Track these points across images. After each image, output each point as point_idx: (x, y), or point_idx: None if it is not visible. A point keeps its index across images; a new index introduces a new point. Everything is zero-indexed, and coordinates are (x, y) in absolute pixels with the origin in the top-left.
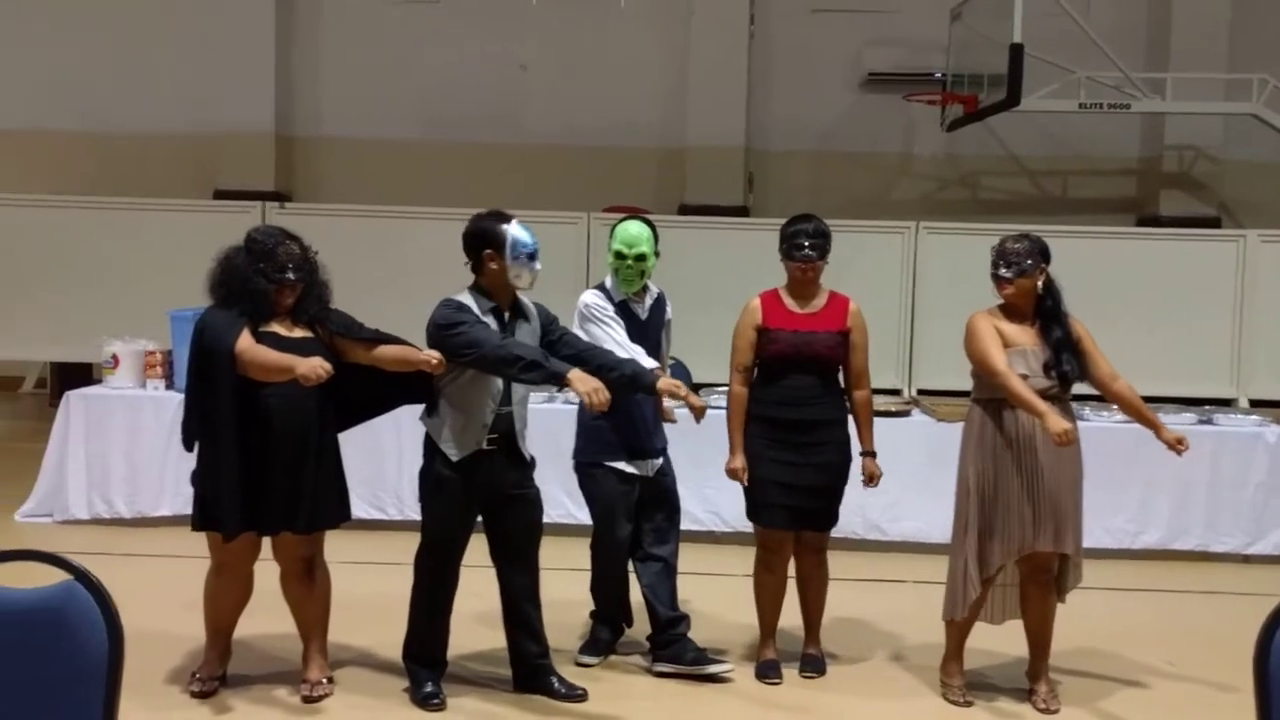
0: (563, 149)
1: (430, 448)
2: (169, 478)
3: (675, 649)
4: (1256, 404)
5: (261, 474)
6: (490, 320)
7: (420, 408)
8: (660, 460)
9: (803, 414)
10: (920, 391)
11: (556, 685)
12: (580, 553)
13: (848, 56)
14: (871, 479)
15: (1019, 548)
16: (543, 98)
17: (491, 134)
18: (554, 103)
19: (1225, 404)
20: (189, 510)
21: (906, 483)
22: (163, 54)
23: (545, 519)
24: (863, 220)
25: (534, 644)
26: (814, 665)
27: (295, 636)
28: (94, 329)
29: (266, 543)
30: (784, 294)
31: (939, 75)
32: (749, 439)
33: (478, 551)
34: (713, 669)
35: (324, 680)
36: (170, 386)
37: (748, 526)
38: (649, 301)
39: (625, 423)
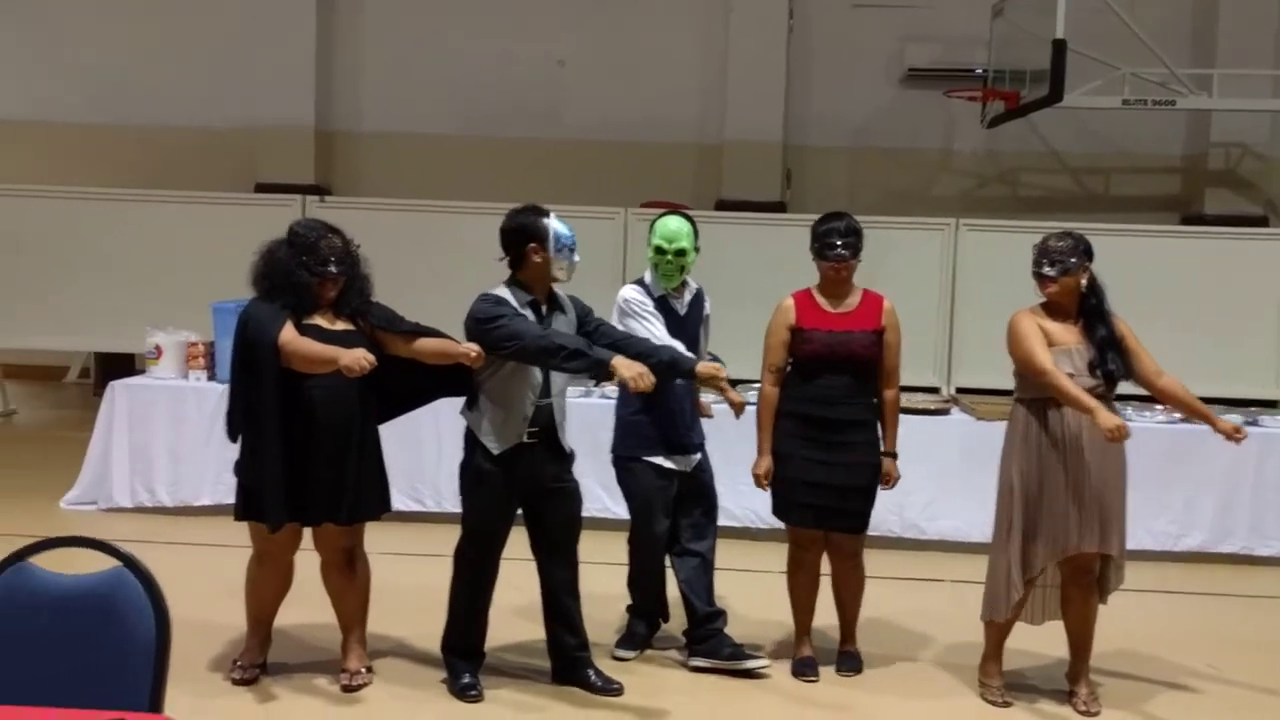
0: (600, 144)
1: (471, 441)
2: (210, 467)
3: (712, 644)
4: None
5: (305, 465)
6: (528, 314)
7: (460, 401)
8: (698, 456)
9: (835, 413)
10: (959, 390)
11: (593, 678)
12: (617, 547)
13: (888, 52)
14: (888, 480)
15: (1063, 549)
16: (581, 93)
17: (529, 129)
18: (592, 98)
19: (1270, 405)
20: (230, 499)
21: (945, 482)
22: (205, 49)
23: (584, 513)
24: (901, 217)
25: (572, 637)
26: (850, 664)
27: (335, 626)
28: (137, 320)
29: (307, 533)
30: (817, 293)
31: (980, 71)
32: (780, 436)
33: (516, 544)
34: (749, 664)
35: (363, 670)
36: (212, 377)
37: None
38: (688, 297)
39: (664, 417)
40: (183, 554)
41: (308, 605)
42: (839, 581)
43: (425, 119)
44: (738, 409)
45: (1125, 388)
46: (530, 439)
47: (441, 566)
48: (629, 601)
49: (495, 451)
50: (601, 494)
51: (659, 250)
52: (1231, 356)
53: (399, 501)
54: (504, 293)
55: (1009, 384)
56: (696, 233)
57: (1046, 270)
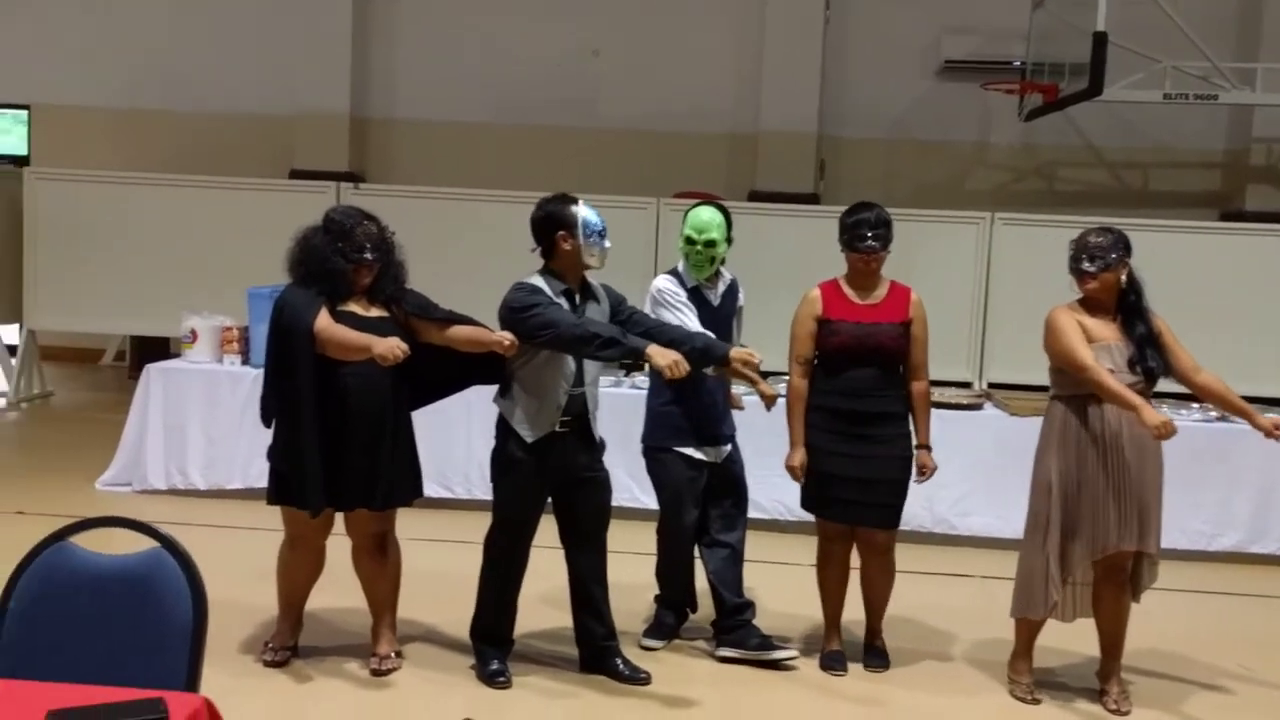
0: (634, 134)
1: (504, 429)
2: (242, 451)
3: (740, 634)
4: None
5: (339, 451)
6: (563, 302)
7: (494, 390)
8: (729, 447)
9: (864, 406)
10: (991, 385)
11: (621, 667)
12: (646, 537)
13: (925, 43)
14: (924, 471)
15: (1102, 548)
16: (615, 82)
17: (564, 118)
18: (626, 87)
19: None
20: (262, 483)
21: (977, 478)
22: (242, 35)
23: (613, 503)
24: (936, 210)
25: (600, 626)
26: (878, 660)
27: (365, 611)
28: (173, 304)
29: (338, 518)
30: (844, 284)
31: (1018, 63)
32: (808, 430)
33: (545, 533)
34: (777, 655)
35: (393, 654)
36: (246, 362)
37: (813, 516)
38: (721, 288)
39: (695, 408)
40: (215, 536)
41: (339, 589)
42: (868, 577)
43: (460, 107)
44: (768, 401)
45: (1161, 385)
46: (563, 428)
47: (471, 553)
48: (657, 591)
49: (529, 440)
50: (631, 484)
51: (689, 241)
52: (1272, 355)
53: (429, 489)
54: (539, 281)
55: (1043, 380)
56: (730, 224)
57: (1086, 266)
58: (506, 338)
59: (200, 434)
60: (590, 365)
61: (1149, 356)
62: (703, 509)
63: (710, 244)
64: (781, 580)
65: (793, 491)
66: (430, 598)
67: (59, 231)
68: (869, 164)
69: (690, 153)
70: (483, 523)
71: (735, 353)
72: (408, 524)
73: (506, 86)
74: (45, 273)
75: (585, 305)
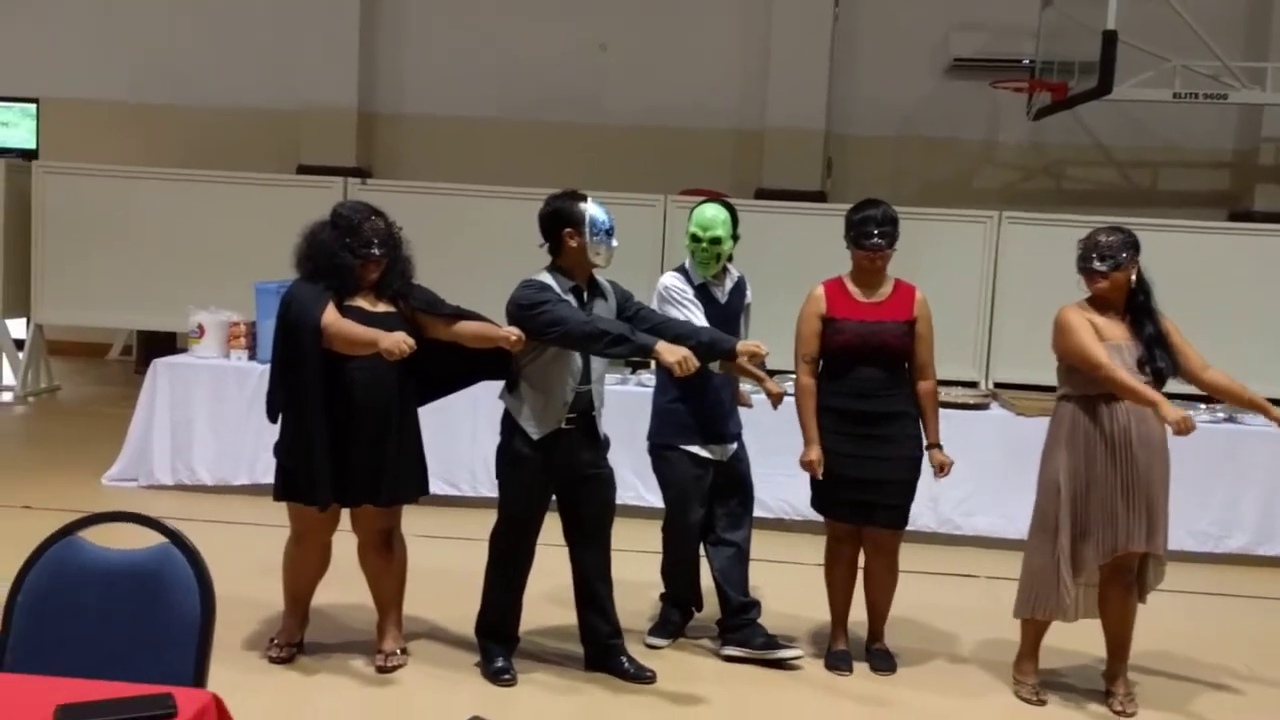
0: (641, 130)
1: (510, 425)
2: (249, 447)
3: (745, 633)
4: None
5: (345, 447)
6: (570, 299)
7: (499, 386)
8: (735, 445)
9: (873, 406)
10: (997, 384)
11: (626, 665)
12: (651, 535)
13: (934, 40)
14: (942, 469)
15: (1112, 549)
16: (622, 78)
17: (570, 114)
18: (633, 83)
19: None
20: (268, 479)
21: (982, 477)
22: (249, 29)
23: (617, 501)
24: (943, 208)
25: (605, 623)
26: (884, 662)
27: (371, 607)
28: (180, 299)
29: (344, 514)
30: (849, 282)
31: (1027, 62)
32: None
33: (550, 530)
34: (782, 654)
35: (398, 651)
36: (253, 357)
37: (819, 515)
38: (729, 285)
39: (701, 406)
40: (221, 531)
41: (344, 586)
42: (872, 577)
43: (467, 102)
44: (776, 399)
45: (1169, 385)
46: (568, 425)
47: (476, 550)
48: (662, 590)
49: (535, 436)
50: (636, 482)
51: (694, 238)
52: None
53: (435, 485)
54: (546, 278)
55: (1049, 379)
56: (736, 221)
57: (1097, 265)
58: (514, 333)
59: (207, 429)
60: (597, 362)
61: (1158, 357)
62: (708, 507)
63: (715, 241)
64: (787, 579)
65: (799, 490)
66: (435, 594)
67: (67, 225)
68: (876, 162)
69: (697, 149)
70: (488, 520)
71: (741, 345)
72: (413, 521)
73: (513, 82)
74: (53, 267)
75: (593, 302)
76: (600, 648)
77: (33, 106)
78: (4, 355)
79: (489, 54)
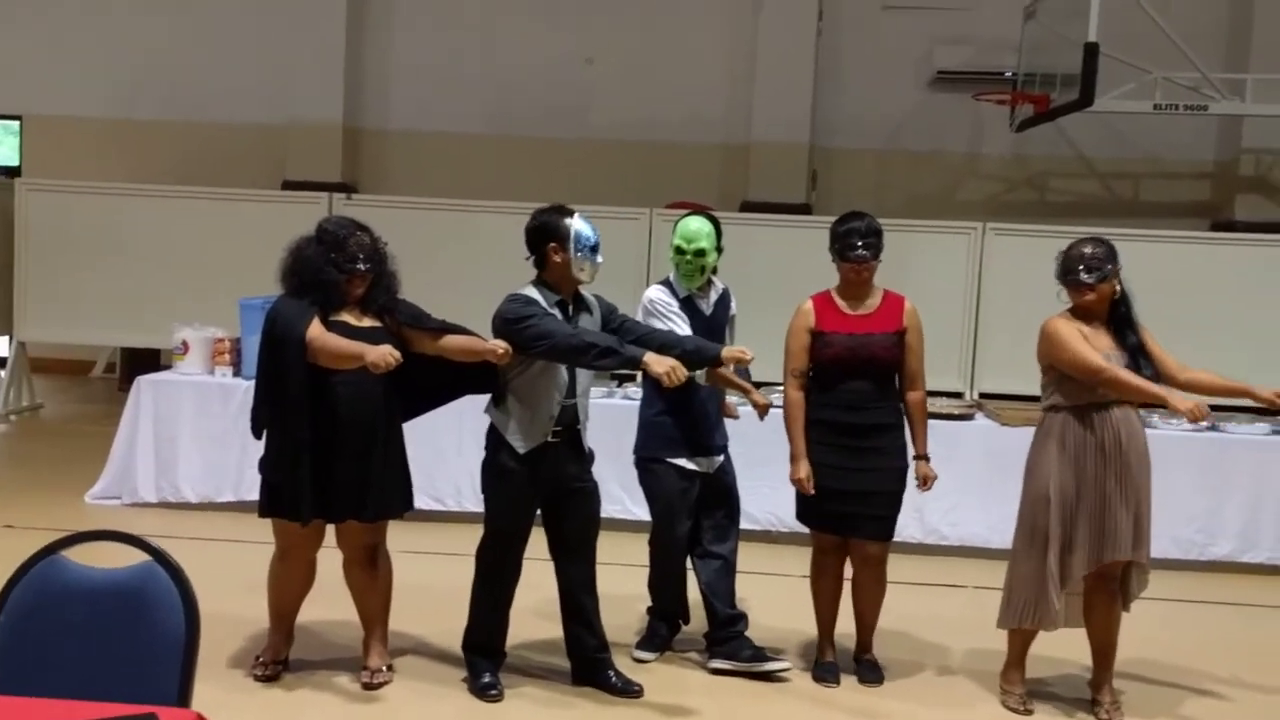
0: (626, 144)
1: (495, 439)
2: (234, 463)
3: (732, 646)
4: None
5: (330, 462)
6: (556, 313)
7: (484, 401)
8: (721, 457)
9: (860, 418)
10: (983, 395)
11: (613, 679)
12: (638, 548)
13: (917, 54)
14: (925, 482)
15: (1099, 557)
16: (608, 92)
17: (556, 129)
18: (619, 97)
19: None
20: (253, 496)
21: (967, 487)
22: (235, 45)
23: (603, 514)
24: (928, 220)
25: (591, 637)
26: (872, 674)
27: (356, 624)
28: (164, 315)
29: (329, 530)
30: (836, 295)
31: (1010, 74)
32: (806, 443)
33: (536, 544)
34: (769, 667)
35: (384, 668)
36: (238, 374)
37: (806, 527)
38: (714, 296)
39: (687, 419)
40: (205, 549)
41: (330, 602)
42: (859, 589)
43: (452, 118)
44: (762, 411)
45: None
46: (554, 438)
47: (462, 565)
48: (649, 603)
49: (521, 450)
50: (622, 495)
51: (679, 250)
52: (1261, 364)
53: (420, 500)
54: (532, 293)
55: (1034, 390)
56: (720, 233)
57: (1085, 278)
58: (501, 346)
59: (191, 446)
60: (582, 376)
61: (1143, 365)
62: (695, 520)
63: (700, 253)
64: (774, 591)
65: (785, 502)
66: (421, 610)
67: (50, 243)
68: (861, 174)
69: (682, 163)
70: (473, 535)
71: (727, 352)
72: (398, 536)
73: (499, 97)
74: (36, 284)
75: (578, 316)
76: (587, 661)
77: (15, 123)
78: None
79: (474, 69)
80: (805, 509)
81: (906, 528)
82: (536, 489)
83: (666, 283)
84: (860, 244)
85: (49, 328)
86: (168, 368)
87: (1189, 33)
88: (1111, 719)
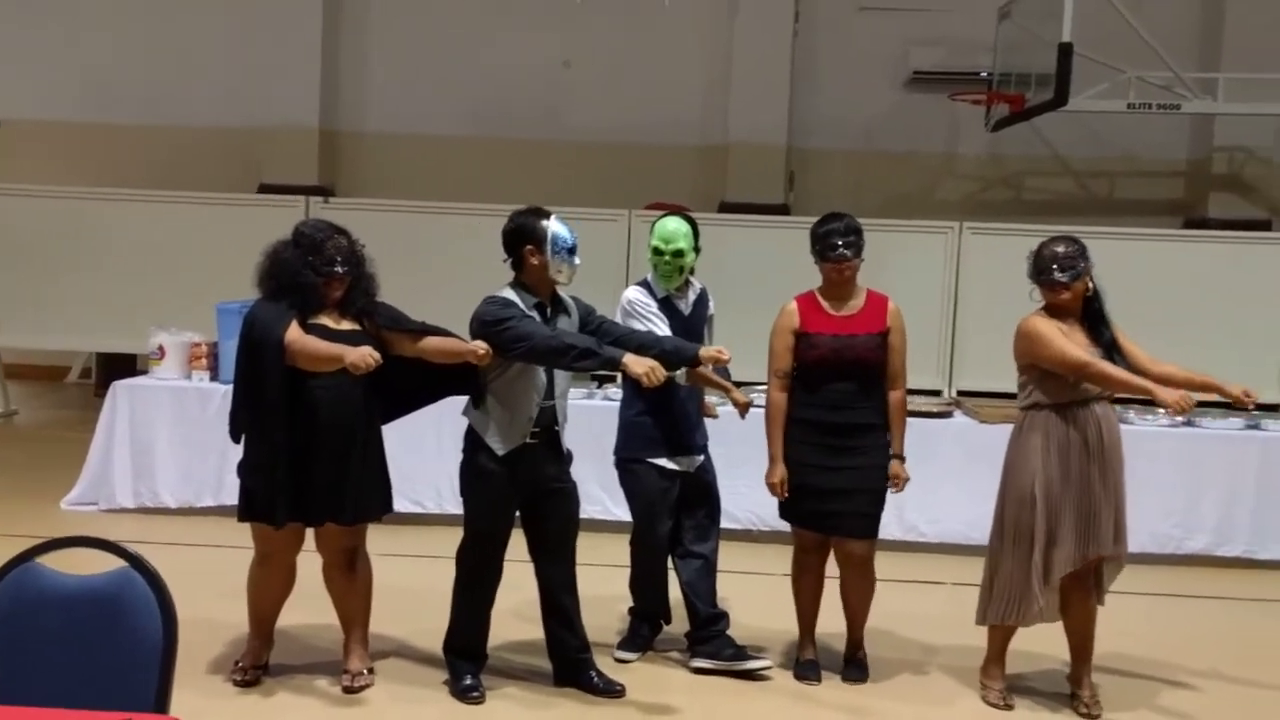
0: (604, 146)
1: (473, 441)
2: (213, 469)
3: (714, 645)
4: None
5: (308, 465)
6: (534, 316)
7: (463, 402)
8: (702, 457)
9: (844, 418)
10: (960, 393)
11: (595, 680)
12: (619, 549)
13: (893, 55)
14: (895, 481)
15: (1084, 555)
16: (585, 94)
17: (534, 130)
18: (596, 99)
19: (1274, 410)
20: (232, 501)
21: (946, 484)
22: (210, 48)
23: (584, 515)
24: (905, 220)
25: (573, 637)
26: (857, 671)
27: (336, 627)
28: (140, 320)
29: (308, 534)
30: (820, 296)
31: (985, 74)
32: (788, 442)
33: (516, 545)
34: (751, 665)
35: (365, 671)
36: (215, 378)
37: (786, 526)
38: (692, 297)
39: (667, 419)
40: (183, 554)
41: (310, 606)
42: (848, 589)
43: (430, 120)
44: (742, 409)
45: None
46: (533, 439)
47: (442, 567)
48: (630, 604)
49: (500, 452)
50: (603, 496)
51: (657, 251)
52: (1234, 360)
53: (399, 504)
54: (510, 295)
55: (1011, 387)
56: (697, 233)
57: (1059, 277)
58: (481, 347)
59: (169, 451)
60: (561, 378)
61: (1116, 361)
62: (676, 520)
63: (678, 253)
64: (755, 590)
65: (766, 502)
66: (402, 613)
67: (22, 248)
68: (838, 175)
69: (661, 164)
70: (453, 537)
71: (704, 352)
72: (378, 539)
73: (477, 99)
74: (8, 290)
75: (556, 319)
76: (568, 662)
77: None
78: None
79: (452, 71)
80: (786, 506)
81: (886, 525)
82: (515, 490)
83: (645, 283)
84: (840, 243)
85: (23, 333)
86: (144, 373)
87: (1162, 33)
88: (1092, 712)
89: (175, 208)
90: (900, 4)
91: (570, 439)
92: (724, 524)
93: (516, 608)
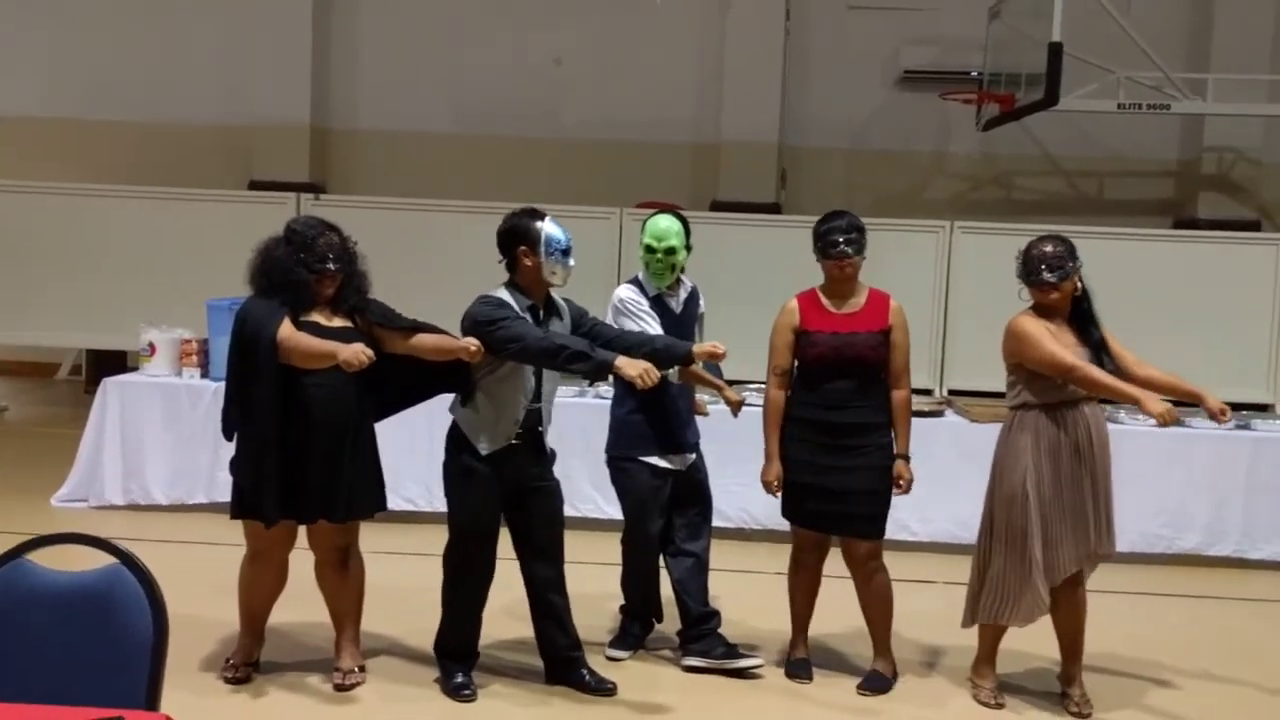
0: (596, 144)
1: (457, 441)
2: (203, 465)
3: (705, 643)
4: None
5: (301, 463)
6: (527, 318)
7: (450, 400)
8: (693, 455)
9: (844, 417)
10: (951, 392)
11: (587, 678)
12: (610, 547)
13: (884, 54)
14: (899, 481)
15: (1087, 554)
16: (577, 92)
17: (525, 128)
18: (588, 97)
19: (1262, 409)
20: (223, 498)
21: (937, 483)
22: (201, 44)
23: (576, 513)
24: (896, 219)
25: (563, 635)
26: (875, 682)
27: (327, 625)
28: (130, 317)
29: (300, 531)
30: (822, 294)
31: (976, 74)
32: (788, 441)
33: (507, 545)
34: (742, 664)
35: (356, 669)
36: (206, 375)
37: (778, 524)
38: (683, 295)
39: (659, 416)
40: (173, 551)
41: (301, 604)
42: (863, 594)
43: (421, 117)
44: (735, 407)
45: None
46: (517, 440)
47: (434, 566)
48: (622, 602)
49: (485, 452)
50: (595, 494)
51: (649, 249)
52: (1223, 360)
53: (391, 501)
54: (504, 295)
55: (1002, 386)
56: (688, 231)
57: (1048, 277)
58: (473, 344)
59: (160, 448)
60: (548, 381)
61: (1104, 361)
62: (667, 518)
63: (670, 251)
64: (747, 589)
65: (757, 500)
66: (393, 611)
67: (13, 244)
68: (829, 173)
69: (653, 162)
70: (445, 535)
71: (697, 349)
72: (370, 537)
73: (468, 96)
74: None
75: (549, 321)
76: (560, 660)
77: None
78: None
79: (443, 68)
80: (788, 506)
81: None
82: (499, 489)
83: (636, 281)
84: (841, 240)
85: (12, 329)
86: (134, 369)
87: (1151, 33)
88: (1082, 711)
89: (166, 204)
90: (891, 3)
91: (561, 437)
92: (715, 522)
93: (508, 606)
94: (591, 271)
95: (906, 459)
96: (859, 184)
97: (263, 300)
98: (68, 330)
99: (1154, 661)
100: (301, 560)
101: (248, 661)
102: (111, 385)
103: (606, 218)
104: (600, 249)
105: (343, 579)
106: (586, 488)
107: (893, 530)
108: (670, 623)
